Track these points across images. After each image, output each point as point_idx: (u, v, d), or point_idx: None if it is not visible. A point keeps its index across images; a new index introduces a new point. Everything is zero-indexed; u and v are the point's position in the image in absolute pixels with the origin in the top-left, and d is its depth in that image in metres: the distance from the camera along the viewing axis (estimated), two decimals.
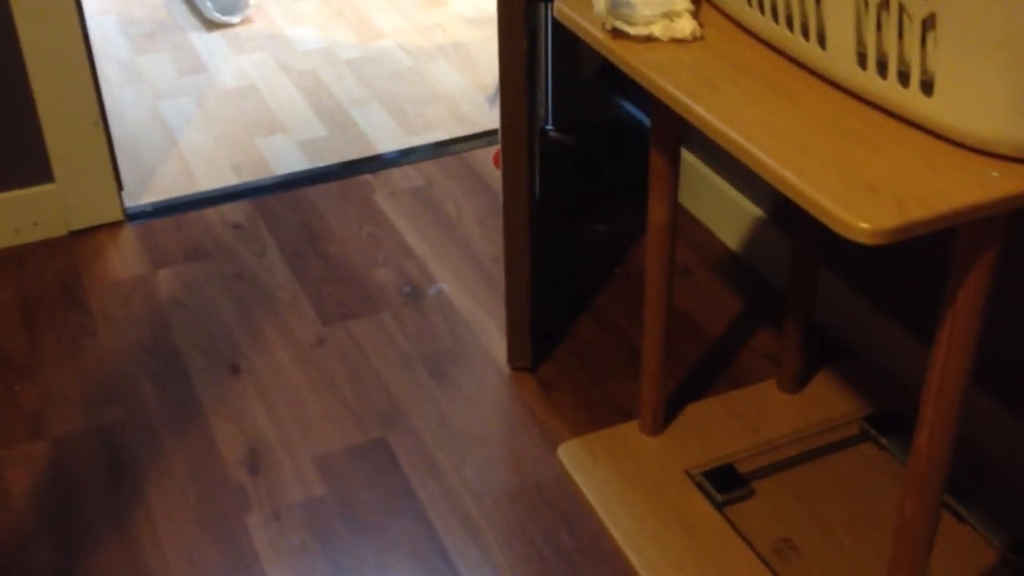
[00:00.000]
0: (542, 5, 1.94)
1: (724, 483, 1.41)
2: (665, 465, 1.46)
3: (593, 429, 1.54)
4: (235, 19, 2.73)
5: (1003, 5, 0.81)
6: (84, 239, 1.97)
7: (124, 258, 1.92)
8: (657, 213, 1.33)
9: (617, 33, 1.10)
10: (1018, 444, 1.40)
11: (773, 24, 1.03)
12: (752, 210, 1.84)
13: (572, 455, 1.49)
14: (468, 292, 1.83)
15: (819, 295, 1.68)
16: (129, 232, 1.99)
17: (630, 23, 1.08)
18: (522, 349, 1.65)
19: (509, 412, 1.60)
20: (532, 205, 1.54)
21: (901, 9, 0.88)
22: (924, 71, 0.89)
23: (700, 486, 1.42)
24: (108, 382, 1.66)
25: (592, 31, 1.12)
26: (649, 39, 1.09)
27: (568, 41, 2.11)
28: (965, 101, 0.87)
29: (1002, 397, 1.42)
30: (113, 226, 2.01)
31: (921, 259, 1.52)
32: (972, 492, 1.38)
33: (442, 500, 1.45)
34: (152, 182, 2.13)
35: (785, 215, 1.78)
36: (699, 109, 0.99)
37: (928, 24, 0.86)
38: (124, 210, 2.02)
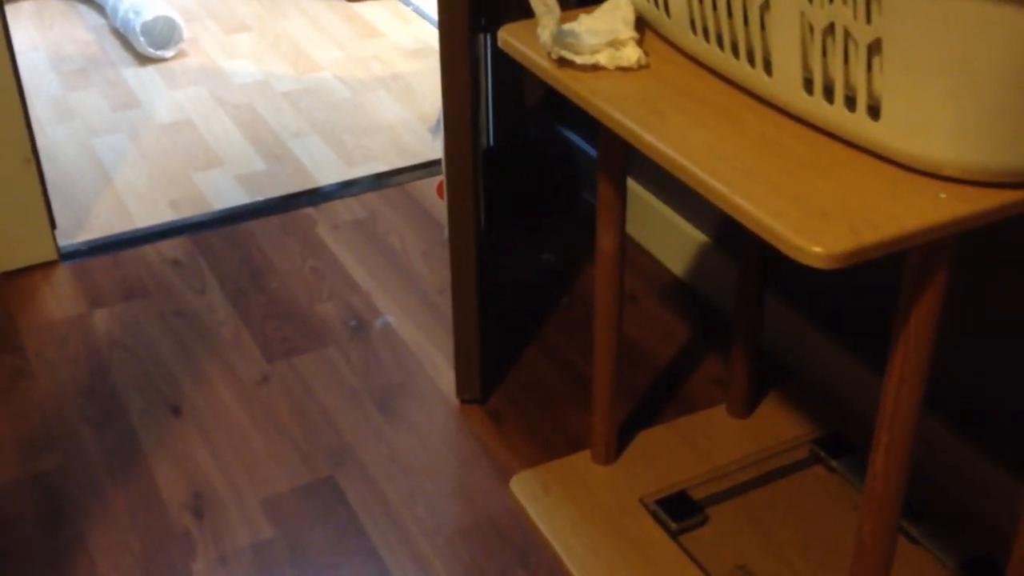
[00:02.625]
0: (482, 35, 1.93)
1: (678, 511, 1.41)
2: (618, 494, 1.45)
3: (545, 460, 1.53)
4: (168, 53, 2.69)
5: (948, 30, 0.82)
6: (17, 280, 1.92)
7: (59, 298, 1.87)
8: (605, 241, 1.33)
9: (563, 62, 1.09)
10: (967, 464, 1.41)
11: (718, 51, 1.04)
12: (696, 236, 1.85)
13: (525, 487, 1.47)
14: (414, 324, 1.81)
15: (765, 319, 1.69)
16: (64, 272, 1.94)
17: (576, 52, 1.08)
18: (471, 381, 1.63)
19: (459, 445, 1.58)
20: (478, 235, 1.53)
21: (847, 35, 0.88)
22: (871, 96, 0.90)
23: (654, 514, 1.41)
24: (45, 427, 1.61)
25: (538, 60, 1.12)
26: (595, 67, 1.08)
27: (509, 70, 2.11)
28: (912, 124, 0.88)
29: (950, 418, 1.43)
30: (47, 266, 1.95)
31: (864, 280, 1.53)
32: (924, 513, 1.39)
33: (394, 538, 1.43)
34: (87, 220, 2.08)
35: (730, 240, 1.79)
36: (648, 136, 0.99)
37: (874, 49, 0.87)
38: (58, 249, 1.97)
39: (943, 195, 0.88)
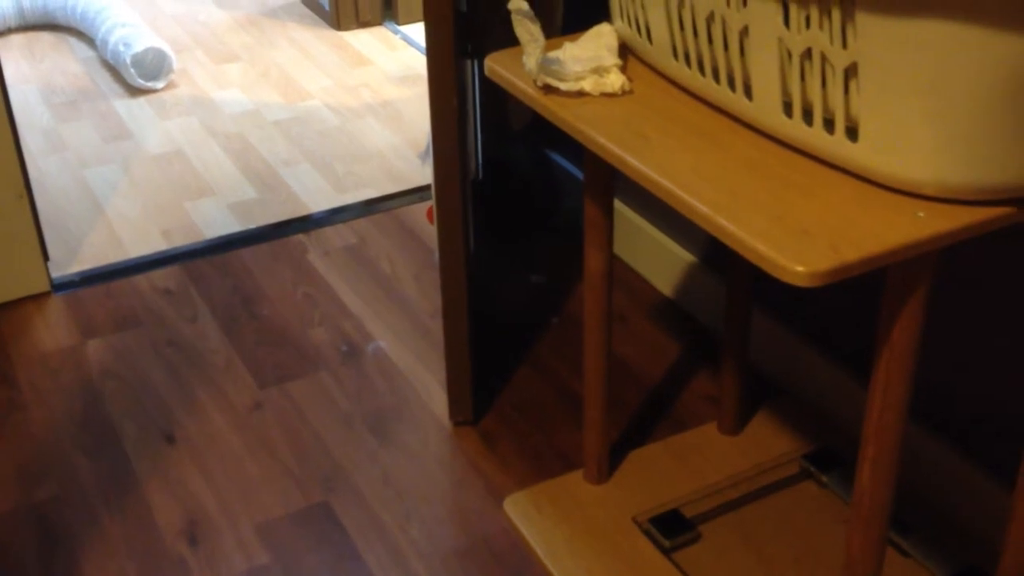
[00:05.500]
0: (469, 61, 1.96)
1: (671, 528, 1.42)
2: (612, 513, 1.46)
3: (538, 480, 1.54)
4: (159, 84, 2.71)
5: (921, 52, 0.84)
6: (10, 312, 1.93)
7: (52, 330, 1.88)
8: (593, 262, 1.35)
9: (549, 89, 1.11)
10: (954, 476, 1.43)
11: (700, 76, 1.06)
12: (684, 255, 1.87)
13: (518, 507, 1.48)
14: (406, 348, 1.83)
15: (754, 336, 1.71)
16: (57, 303, 1.95)
17: (561, 79, 1.10)
18: (463, 403, 1.64)
19: (453, 467, 1.59)
20: (468, 259, 1.55)
21: (824, 59, 0.91)
22: (848, 118, 0.92)
23: (647, 533, 1.42)
24: (40, 457, 1.61)
25: (524, 88, 1.14)
26: (580, 94, 1.11)
27: (496, 95, 2.14)
28: (889, 145, 0.90)
29: (938, 430, 1.45)
30: (40, 297, 1.96)
31: (849, 297, 1.55)
32: (913, 525, 1.40)
33: (389, 561, 1.44)
34: (79, 251, 2.10)
35: (717, 259, 1.81)
36: (632, 160, 1.01)
37: (850, 73, 0.89)
38: (51, 281, 1.98)
39: (921, 213, 0.90)
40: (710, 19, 1.00)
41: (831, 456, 1.52)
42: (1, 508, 1.53)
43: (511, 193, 2.16)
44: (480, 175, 2.14)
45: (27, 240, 1.93)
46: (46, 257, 1.98)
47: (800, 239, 0.88)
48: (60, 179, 2.34)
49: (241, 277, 2.01)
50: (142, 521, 1.50)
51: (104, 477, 1.57)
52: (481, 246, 2.06)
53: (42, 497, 1.54)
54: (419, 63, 2.86)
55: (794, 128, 0.97)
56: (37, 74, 2.82)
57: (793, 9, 0.91)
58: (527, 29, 1.10)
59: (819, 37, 0.90)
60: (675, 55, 1.08)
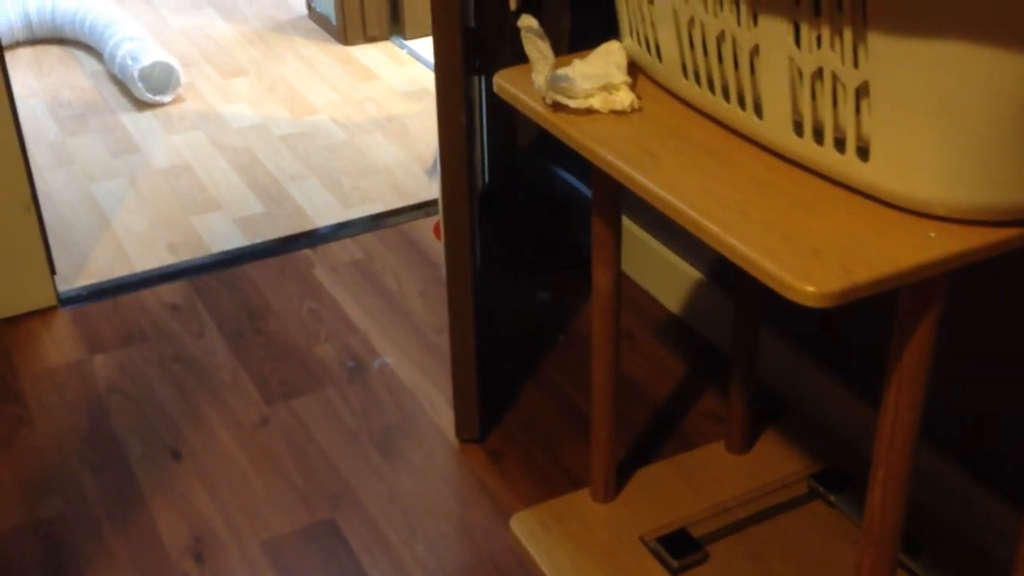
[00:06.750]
0: (477, 77, 1.96)
1: (679, 548, 1.41)
2: (618, 532, 1.45)
3: (545, 498, 1.53)
4: (166, 98, 2.72)
5: (933, 72, 0.84)
6: (16, 326, 1.93)
7: (58, 344, 1.88)
8: (601, 280, 1.34)
9: (557, 106, 1.11)
10: (965, 496, 1.42)
11: (710, 95, 1.06)
12: (691, 273, 1.87)
13: (525, 526, 1.48)
14: (412, 364, 1.82)
15: (761, 354, 1.70)
16: (63, 317, 1.95)
17: (570, 96, 1.10)
18: (470, 420, 1.64)
19: (459, 485, 1.58)
20: (475, 275, 1.54)
21: (835, 79, 0.90)
22: (860, 137, 0.91)
23: (655, 552, 1.41)
24: (45, 473, 1.61)
25: (532, 105, 1.13)
26: (589, 111, 1.10)
27: (503, 111, 2.14)
28: (900, 165, 0.89)
29: (948, 450, 1.44)
30: (46, 312, 1.96)
31: (858, 316, 1.55)
32: (923, 547, 1.39)
33: None
34: (86, 265, 2.10)
35: (724, 277, 1.80)
36: (641, 178, 1.01)
37: (861, 92, 0.89)
38: (58, 295, 1.98)
39: (933, 233, 0.90)
40: (720, 38, 1.00)
41: (839, 476, 1.51)
42: (6, 524, 1.52)
43: (517, 208, 2.16)
44: (486, 190, 2.14)
45: (34, 254, 1.93)
46: (53, 271, 1.98)
47: (810, 259, 0.87)
48: (67, 193, 2.35)
49: (247, 292, 2.01)
50: (148, 538, 1.50)
51: (110, 493, 1.57)
52: (487, 263, 2.06)
53: (47, 513, 1.54)
54: (426, 78, 2.86)
55: (804, 147, 0.97)
56: (45, 88, 2.83)
57: (804, 29, 0.91)
58: (536, 46, 1.10)
59: (830, 57, 0.90)
60: (685, 73, 1.08)
